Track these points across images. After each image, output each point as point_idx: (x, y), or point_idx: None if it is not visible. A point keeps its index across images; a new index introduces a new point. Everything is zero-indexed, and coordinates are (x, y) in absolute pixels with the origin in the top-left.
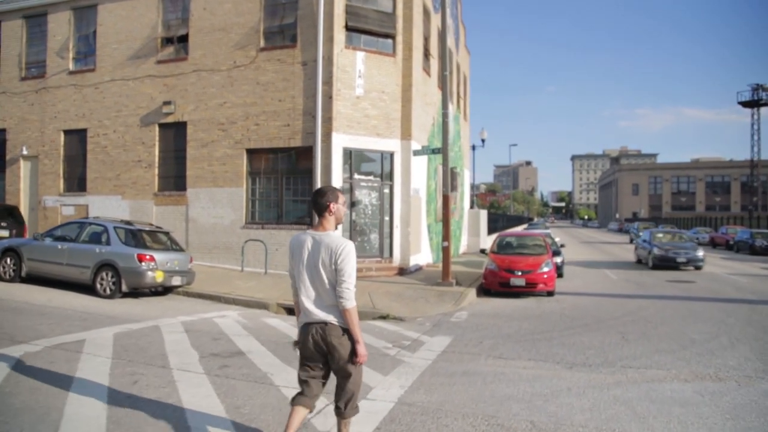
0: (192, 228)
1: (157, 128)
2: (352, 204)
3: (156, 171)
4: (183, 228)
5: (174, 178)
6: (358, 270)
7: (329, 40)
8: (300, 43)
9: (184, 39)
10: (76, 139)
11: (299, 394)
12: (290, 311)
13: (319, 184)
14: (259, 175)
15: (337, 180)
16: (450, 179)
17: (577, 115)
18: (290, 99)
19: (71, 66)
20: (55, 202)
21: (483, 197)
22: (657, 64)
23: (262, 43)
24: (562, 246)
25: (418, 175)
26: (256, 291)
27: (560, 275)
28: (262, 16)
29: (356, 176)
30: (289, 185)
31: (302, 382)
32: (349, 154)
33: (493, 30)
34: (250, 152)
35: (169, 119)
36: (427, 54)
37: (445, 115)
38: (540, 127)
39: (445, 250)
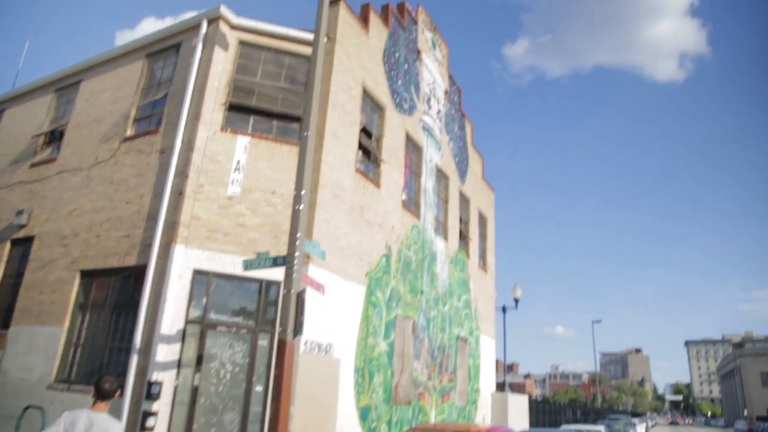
0: (0, 384)
1: (8, 245)
2: (198, 360)
3: None
4: None
5: (3, 312)
6: None
7: (194, 118)
8: (164, 126)
9: (63, 136)
10: None
11: None
12: None
13: (141, 325)
14: (89, 308)
15: (175, 320)
16: (296, 312)
17: (690, 298)
18: (138, 199)
19: None
20: None
21: (585, 387)
22: None
23: (128, 132)
24: None
25: (338, 323)
26: None
27: None
28: (137, 99)
29: (213, 316)
30: (118, 325)
31: None
32: (204, 281)
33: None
34: (86, 275)
35: (21, 233)
36: (375, 158)
37: (304, 141)
38: (648, 313)
39: None
